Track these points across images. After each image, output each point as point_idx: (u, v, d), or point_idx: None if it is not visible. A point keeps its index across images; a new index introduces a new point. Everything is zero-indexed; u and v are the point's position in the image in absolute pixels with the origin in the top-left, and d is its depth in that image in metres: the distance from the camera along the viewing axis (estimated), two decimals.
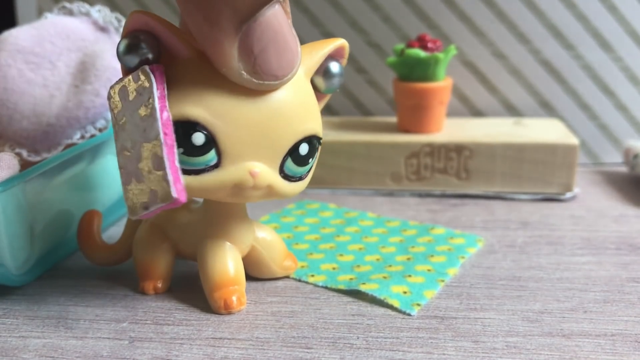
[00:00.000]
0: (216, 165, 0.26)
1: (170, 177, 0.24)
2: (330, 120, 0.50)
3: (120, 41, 0.25)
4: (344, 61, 0.29)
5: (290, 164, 0.27)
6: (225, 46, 0.24)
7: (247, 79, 0.25)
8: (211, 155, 0.25)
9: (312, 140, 0.27)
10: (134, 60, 0.25)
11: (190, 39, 0.26)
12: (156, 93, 0.24)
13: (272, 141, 0.26)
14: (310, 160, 0.28)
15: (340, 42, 0.28)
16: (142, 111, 0.25)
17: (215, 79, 0.25)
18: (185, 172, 0.25)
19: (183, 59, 0.26)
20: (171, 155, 0.24)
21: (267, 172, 0.26)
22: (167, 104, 0.25)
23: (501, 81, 0.51)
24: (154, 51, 0.25)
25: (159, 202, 0.24)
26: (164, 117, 0.24)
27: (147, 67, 0.25)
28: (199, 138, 0.25)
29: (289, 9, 0.25)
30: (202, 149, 0.25)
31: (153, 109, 0.24)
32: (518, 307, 0.29)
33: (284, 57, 0.25)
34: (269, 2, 0.24)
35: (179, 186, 0.24)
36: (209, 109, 0.25)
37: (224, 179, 0.26)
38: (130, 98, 0.25)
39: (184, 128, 0.25)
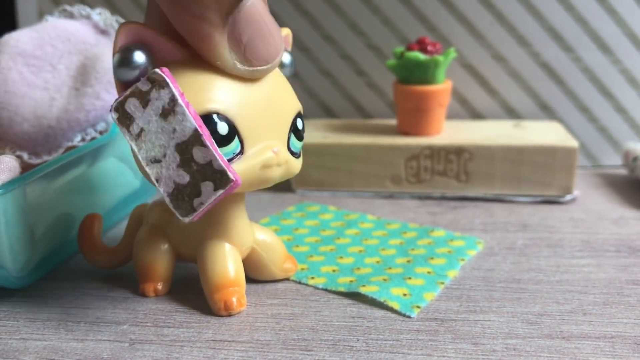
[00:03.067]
0: (241, 152, 0.26)
1: (222, 163, 0.24)
2: (330, 123, 0.50)
3: (114, 56, 0.26)
4: (289, 47, 0.31)
5: (293, 140, 0.29)
6: (216, 39, 0.25)
7: (240, 67, 0.26)
8: (236, 143, 0.26)
9: (301, 115, 0.29)
10: (131, 73, 0.25)
11: (180, 41, 0.26)
12: (176, 91, 0.24)
13: (278, 120, 0.28)
14: (304, 134, 0.30)
15: (286, 31, 0.31)
16: (166, 112, 0.25)
17: (214, 73, 0.26)
18: None
19: (176, 62, 0.26)
20: (213, 144, 0.25)
21: (283, 148, 0.28)
22: (187, 100, 0.25)
23: (501, 84, 0.51)
24: (149, 60, 0.26)
25: (217, 191, 0.24)
26: (192, 111, 0.25)
27: (157, 70, 0.25)
28: (223, 127, 0.26)
29: None
30: (228, 138, 0.26)
31: (179, 106, 0.24)
32: (518, 309, 0.29)
33: (270, 42, 0.26)
34: None
35: (232, 170, 0.25)
36: (221, 100, 0.26)
37: (252, 162, 0.26)
38: (145, 106, 0.25)
39: (207, 121, 0.25)
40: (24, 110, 0.36)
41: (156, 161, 0.25)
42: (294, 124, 0.28)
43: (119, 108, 0.25)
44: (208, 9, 0.25)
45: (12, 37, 0.39)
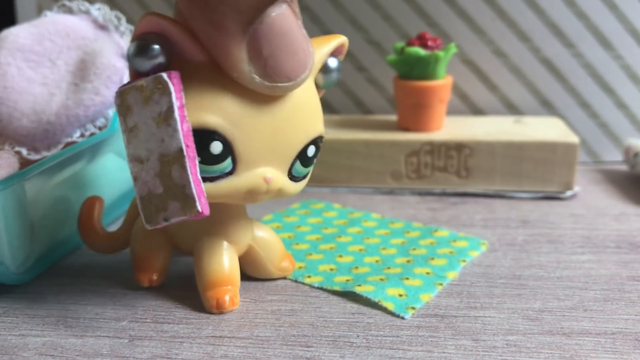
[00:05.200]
0: (231, 172, 0.26)
1: (195, 191, 0.24)
2: (331, 119, 0.50)
3: (131, 43, 0.25)
4: (342, 57, 0.29)
5: (298, 166, 0.27)
6: (233, 50, 0.24)
7: (259, 82, 0.24)
8: (227, 163, 0.25)
9: (317, 141, 0.28)
10: (146, 63, 0.24)
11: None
12: (176, 103, 0.24)
13: (284, 146, 0.26)
14: (315, 159, 0.28)
15: (341, 39, 0.28)
16: (160, 120, 0.24)
17: (230, 84, 0.25)
18: (202, 179, 0.25)
19: (196, 63, 0.25)
20: (194, 168, 0.24)
21: (278, 177, 0.27)
22: (186, 113, 0.24)
23: (501, 79, 0.51)
24: (167, 55, 0.25)
25: (181, 214, 0.24)
26: (185, 128, 0.24)
27: (164, 75, 0.24)
28: (217, 147, 0.25)
29: (297, 10, 0.25)
30: (219, 158, 0.25)
31: (173, 120, 0.24)
32: (518, 305, 0.29)
33: (295, 58, 0.24)
34: (273, 2, 0.23)
35: (202, 200, 0.24)
36: (226, 116, 0.25)
37: (238, 185, 0.26)
38: (145, 104, 0.24)
39: (202, 137, 0.25)
40: (23, 105, 0.36)
41: (139, 161, 0.25)
42: (303, 151, 0.27)
43: (123, 95, 0.25)
44: (226, 17, 0.23)
45: (11, 33, 0.38)
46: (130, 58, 0.25)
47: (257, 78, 0.24)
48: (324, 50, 0.27)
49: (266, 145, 0.26)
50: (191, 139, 0.24)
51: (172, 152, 0.24)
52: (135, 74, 0.25)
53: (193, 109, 0.25)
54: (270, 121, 0.26)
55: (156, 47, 0.24)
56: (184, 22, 0.25)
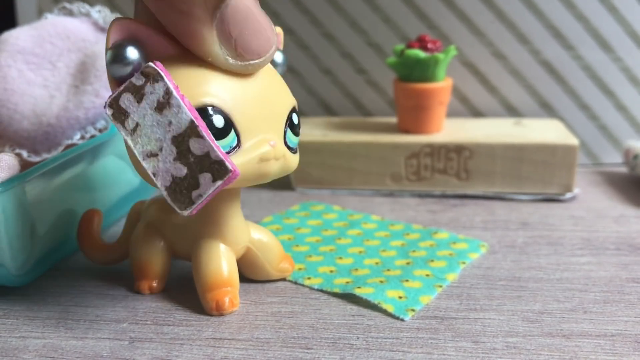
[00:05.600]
0: (237, 146, 0.26)
1: (220, 154, 0.24)
2: (330, 121, 0.50)
3: (107, 52, 0.25)
4: (281, 46, 0.31)
5: (290, 135, 0.28)
6: (205, 35, 0.25)
7: (233, 63, 0.26)
8: (232, 136, 0.26)
9: (296, 110, 0.29)
10: (125, 69, 0.25)
11: (172, 36, 0.26)
12: (171, 84, 0.24)
13: (274, 113, 0.28)
14: (299, 129, 0.29)
15: (277, 29, 0.30)
16: (160, 106, 0.24)
17: (207, 68, 0.26)
18: None
19: (169, 57, 0.26)
20: (209, 135, 0.24)
21: (279, 142, 0.28)
22: (182, 93, 0.25)
23: (501, 82, 0.51)
24: (141, 56, 0.26)
25: (215, 183, 0.24)
26: (187, 103, 0.24)
27: (150, 64, 0.24)
28: (219, 120, 0.25)
29: None
30: (224, 131, 0.26)
31: (174, 99, 0.24)
32: (518, 307, 0.29)
33: (261, 35, 0.26)
34: None
35: (230, 161, 0.24)
36: (216, 93, 0.26)
37: (249, 155, 0.26)
38: (139, 101, 0.25)
39: (202, 114, 0.25)
40: (23, 108, 0.36)
41: (153, 155, 0.25)
42: (289, 118, 0.28)
43: (113, 104, 0.25)
44: (194, 5, 0.24)
45: (11, 35, 0.39)
46: (109, 67, 0.25)
47: (230, 59, 0.26)
48: None
49: (259, 113, 0.27)
50: (196, 112, 0.25)
51: (184, 128, 0.24)
52: (116, 82, 0.26)
53: (185, 93, 0.25)
54: (255, 92, 0.27)
55: (131, 51, 0.25)
56: (148, 20, 0.26)
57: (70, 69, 0.38)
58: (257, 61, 0.26)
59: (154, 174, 0.25)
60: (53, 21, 0.40)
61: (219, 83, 0.26)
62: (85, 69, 0.38)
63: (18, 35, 0.38)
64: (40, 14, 0.55)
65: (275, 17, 0.52)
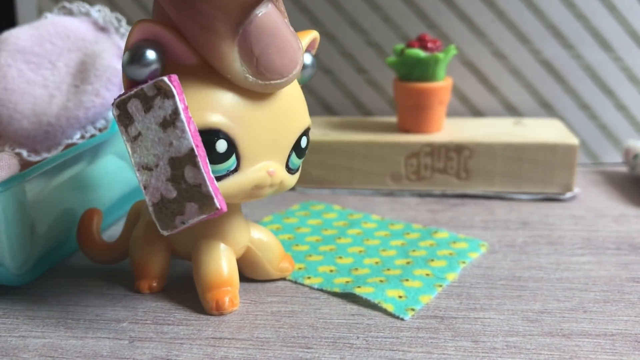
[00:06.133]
0: (235, 170, 0.26)
1: (211, 189, 0.24)
2: (330, 120, 0.50)
3: (125, 52, 0.25)
4: (314, 51, 0.30)
5: (293, 158, 0.28)
6: (225, 51, 0.24)
7: (252, 81, 0.25)
8: (232, 161, 0.26)
9: (307, 132, 0.28)
10: (142, 71, 0.24)
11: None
12: (180, 105, 0.24)
13: (282, 139, 0.27)
14: (306, 151, 0.29)
15: (314, 34, 0.29)
16: (165, 124, 0.24)
17: (225, 83, 0.25)
18: None
19: (189, 66, 0.25)
20: (206, 167, 0.24)
21: (279, 170, 0.27)
22: (190, 114, 0.24)
23: (501, 81, 0.51)
24: (161, 61, 0.25)
25: (200, 214, 0.24)
26: (192, 129, 0.24)
27: (165, 79, 0.24)
28: (222, 145, 0.25)
29: (283, 8, 0.26)
30: (225, 156, 0.25)
31: (180, 121, 0.24)
32: (518, 307, 0.29)
33: (285, 54, 0.25)
34: (260, 2, 0.24)
35: (219, 197, 0.24)
36: (226, 114, 0.25)
37: (244, 181, 0.26)
38: (147, 111, 0.24)
39: (207, 136, 0.25)
40: (23, 107, 0.36)
41: (148, 169, 0.25)
42: (297, 142, 0.28)
43: (121, 105, 0.25)
44: (215, 19, 0.24)
45: (11, 34, 0.38)
46: (125, 67, 0.25)
47: (250, 77, 0.25)
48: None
49: (266, 139, 0.26)
50: (199, 138, 0.24)
51: (182, 154, 0.24)
52: (131, 83, 0.25)
53: (194, 111, 0.25)
54: (267, 116, 0.26)
55: (151, 53, 0.24)
56: (171, 26, 0.25)
57: (70, 68, 0.38)
58: (278, 81, 0.25)
59: (145, 187, 0.25)
60: (53, 21, 0.40)
61: (232, 104, 0.25)
62: (85, 68, 0.38)
63: (18, 35, 0.38)
64: (40, 13, 0.55)
65: None
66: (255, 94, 0.26)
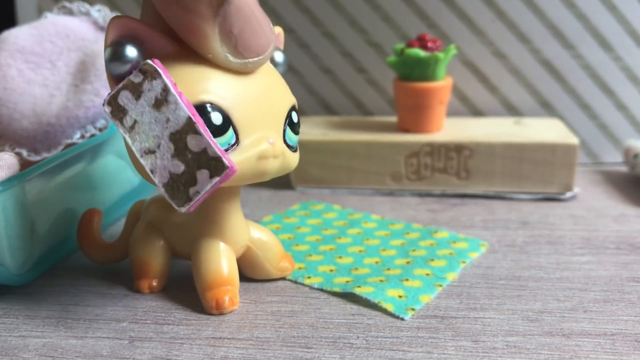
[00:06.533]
0: (236, 143, 0.26)
1: (217, 151, 0.24)
2: (330, 120, 0.50)
3: (105, 50, 0.26)
4: (282, 46, 0.31)
5: (289, 133, 0.28)
6: (207, 32, 0.25)
7: (232, 60, 0.26)
8: (230, 134, 0.26)
9: (295, 108, 0.29)
10: (123, 67, 0.25)
11: (172, 35, 0.26)
12: (168, 81, 0.24)
13: (273, 111, 0.28)
14: (299, 128, 0.29)
15: (278, 29, 0.30)
16: (158, 104, 0.24)
17: (206, 65, 0.26)
18: None
19: (168, 55, 0.26)
20: (207, 132, 0.24)
21: (278, 140, 0.27)
22: (180, 90, 0.25)
23: (501, 81, 0.51)
24: (140, 54, 0.26)
25: (212, 180, 0.24)
26: (185, 100, 0.24)
27: (148, 61, 0.25)
28: (217, 117, 0.25)
29: None
30: (222, 129, 0.26)
31: (172, 95, 0.24)
32: (518, 306, 0.29)
33: (260, 34, 0.26)
34: None
35: (227, 157, 0.24)
36: (215, 90, 0.26)
37: (247, 152, 0.26)
38: (138, 97, 0.25)
39: (200, 111, 0.25)
40: (23, 107, 0.36)
41: (150, 152, 0.25)
42: (289, 116, 0.28)
43: (112, 101, 0.25)
44: (199, 1, 0.25)
45: (11, 34, 0.38)
46: (108, 65, 0.26)
47: (230, 57, 0.26)
48: None
49: (258, 111, 0.27)
50: (193, 109, 0.25)
51: (181, 125, 0.24)
52: (115, 80, 0.26)
53: (183, 90, 0.25)
54: (254, 90, 0.27)
55: (130, 50, 0.25)
56: (152, 17, 0.27)
57: (70, 68, 0.38)
58: (256, 59, 0.27)
59: (152, 171, 0.25)
60: (53, 20, 0.40)
61: (217, 80, 0.26)
62: (85, 68, 0.38)
63: (18, 35, 0.38)
64: (40, 13, 0.55)
65: (276, 16, 0.52)
66: (237, 72, 0.27)
